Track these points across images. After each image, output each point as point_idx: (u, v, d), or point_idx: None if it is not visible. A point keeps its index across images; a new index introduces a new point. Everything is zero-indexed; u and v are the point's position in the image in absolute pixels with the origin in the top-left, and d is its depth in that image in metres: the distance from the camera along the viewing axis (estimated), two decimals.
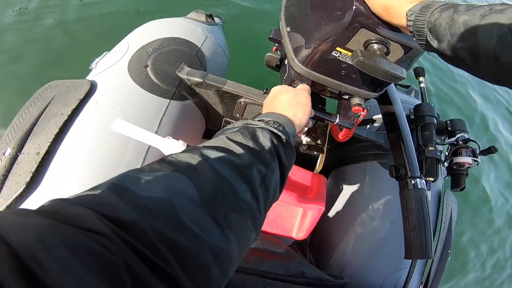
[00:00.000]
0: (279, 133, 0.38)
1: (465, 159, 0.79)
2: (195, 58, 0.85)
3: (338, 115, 0.68)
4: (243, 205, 0.29)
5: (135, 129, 0.49)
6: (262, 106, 0.82)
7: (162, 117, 0.70)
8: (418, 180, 0.64)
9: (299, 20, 0.57)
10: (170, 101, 0.73)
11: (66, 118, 0.62)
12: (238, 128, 0.36)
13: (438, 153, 0.79)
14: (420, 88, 0.91)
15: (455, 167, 0.81)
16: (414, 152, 0.70)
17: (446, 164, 0.83)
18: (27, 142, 0.61)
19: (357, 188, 0.88)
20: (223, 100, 0.84)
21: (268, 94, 0.75)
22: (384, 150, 0.87)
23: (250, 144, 0.34)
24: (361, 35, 0.48)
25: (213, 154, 0.30)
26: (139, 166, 0.64)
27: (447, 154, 0.83)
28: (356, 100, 0.63)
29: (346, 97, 0.66)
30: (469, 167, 0.80)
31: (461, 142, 0.79)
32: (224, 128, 0.39)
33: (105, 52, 0.81)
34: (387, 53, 0.50)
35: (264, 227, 0.74)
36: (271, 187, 0.34)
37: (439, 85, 2.15)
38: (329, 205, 0.95)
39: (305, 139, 0.81)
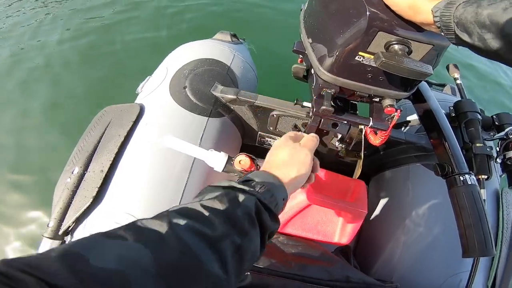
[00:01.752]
0: (264, 200, 0.39)
1: None
2: (227, 76, 0.96)
3: (371, 118, 0.73)
4: (207, 277, 0.30)
5: (182, 143, 0.60)
6: (294, 117, 0.90)
7: (203, 134, 0.81)
8: (467, 176, 0.64)
9: (318, 30, 0.64)
10: (208, 119, 0.84)
11: (123, 139, 0.76)
12: (219, 194, 0.37)
13: (488, 149, 0.79)
14: (457, 84, 0.91)
15: (509, 163, 0.80)
16: (459, 147, 0.71)
17: (499, 160, 0.82)
18: (92, 162, 0.76)
19: (401, 192, 0.90)
20: (257, 114, 0.94)
21: (299, 105, 0.83)
22: (427, 151, 0.89)
23: (228, 212, 0.35)
24: (381, 38, 0.53)
25: (183, 223, 0.31)
26: (186, 179, 0.75)
27: (498, 150, 0.82)
28: (387, 102, 0.67)
29: (377, 99, 0.71)
30: None
31: (511, 136, 0.78)
32: (205, 190, 0.40)
33: (148, 77, 0.97)
34: (410, 53, 0.54)
35: (306, 234, 0.79)
36: (247, 256, 0.35)
37: (471, 83, 2.09)
38: (373, 211, 0.98)
39: (340, 146, 0.86)
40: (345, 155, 0.87)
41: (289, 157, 0.49)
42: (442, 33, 0.46)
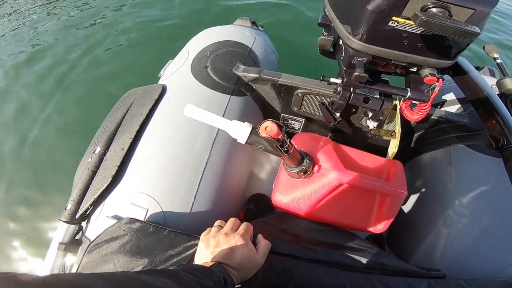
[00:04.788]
0: None
1: None
2: (248, 57, 0.98)
3: (408, 89, 0.70)
4: None
5: (204, 112, 0.59)
6: (320, 95, 0.89)
7: (225, 111, 0.82)
8: None
9: (345, 0, 0.63)
10: (230, 97, 0.86)
11: (144, 117, 0.78)
12: None
13: None
14: (498, 64, 0.90)
15: None
16: None
17: None
18: (114, 141, 0.78)
19: (441, 178, 0.85)
20: (280, 94, 0.94)
21: (326, 81, 0.82)
22: (470, 130, 0.84)
23: None
24: (416, 1, 0.51)
25: None
26: (207, 156, 0.75)
27: None
28: (427, 71, 0.65)
29: (414, 69, 0.69)
30: None
31: None
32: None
33: (170, 60, 1.00)
34: (450, 17, 0.52)
35: (335, 219, 0.76)
36: None
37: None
38: (410, 199, 0.93)
39: (372, 124, 0.83)
40: (378, 133, 0.84)
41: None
42: None
